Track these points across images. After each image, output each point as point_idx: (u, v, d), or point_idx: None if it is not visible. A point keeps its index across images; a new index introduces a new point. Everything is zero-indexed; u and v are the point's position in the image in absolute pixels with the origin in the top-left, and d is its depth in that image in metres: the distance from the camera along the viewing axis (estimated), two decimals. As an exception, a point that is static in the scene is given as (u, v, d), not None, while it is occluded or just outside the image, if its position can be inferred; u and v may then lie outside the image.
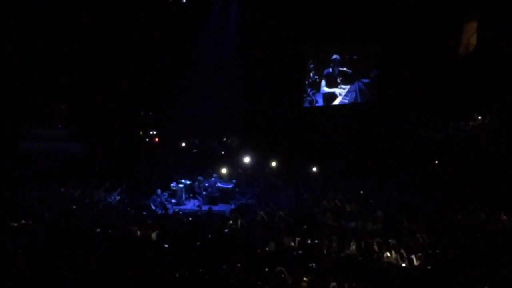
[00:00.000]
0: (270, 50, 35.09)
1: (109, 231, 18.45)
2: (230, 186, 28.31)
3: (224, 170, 29.26)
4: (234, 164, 30.90)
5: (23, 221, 18.83)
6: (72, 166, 29.02)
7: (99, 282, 13.90)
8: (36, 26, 31.87)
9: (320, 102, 38.29)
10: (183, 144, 33.32)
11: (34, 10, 31.51)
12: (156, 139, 34.34)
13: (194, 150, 33.67)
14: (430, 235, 18.64)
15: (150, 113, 36.51)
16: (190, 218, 21.92)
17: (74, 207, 22.56)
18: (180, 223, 20.79)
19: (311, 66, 37.85)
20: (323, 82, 38.06)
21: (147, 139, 34.49)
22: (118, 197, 24.88)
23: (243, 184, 29.23)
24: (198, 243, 17.38)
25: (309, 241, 17.96)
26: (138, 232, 18.42)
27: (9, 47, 31.84)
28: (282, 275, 14.05)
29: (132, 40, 33.74)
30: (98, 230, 18.43)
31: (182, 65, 34.45)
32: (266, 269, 14.60)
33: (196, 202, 27.02)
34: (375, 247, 17.25)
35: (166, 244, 17.05)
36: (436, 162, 30.85)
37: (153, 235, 18.15)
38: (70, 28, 32.63)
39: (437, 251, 16.99)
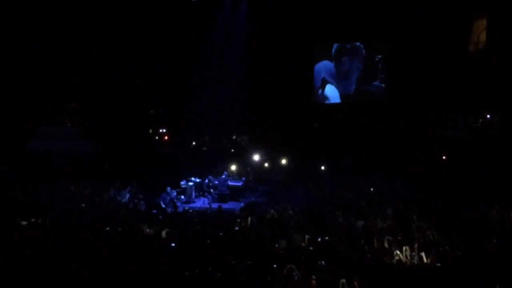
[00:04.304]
0: (280, 47, 35.11)
1: (119, 229, 18.48)
2: (240, 184, 28.35)
3: (234, 168, 29.32)
4: (244, 162, 30.95)
5: (33, 220, 18.88)
6: (82, 164, 29.12)
7: (109, 280, 13.92)
8: (46, 25, 31.96)
9: (330, 100, 38.26)
10: (194, 143, 33.43)
11: (43, 8, 31.60)
12: (166, 137, 34.41)
13: (204, 148, 33.72)
14: (441, 233, 18.57)
15: (160, 111, 36.59)
16: (200, 216, 21.93)
17: (84, 205, 22.62)
18: (190, 221, 20.81)
19: (320, 63, 37.87)
20: (332, 80, 38.03)
21: (157, 137, 34.58)
22: (128, 195, 24.93)
23: (253, 182, 29.25)
24: (208, 241, 17.38)
25: (319, 239, 17.94)
26: (148, 230, 18.45)
27: (19, 46, 31.93)
28: (293, 273, 14.05)
29: (142, 39, 33.79)
30: (108, 228, 18.47)
31: (192, 63, 34.54)
32: (276, 267, 14.60)
33: (206, 200, 27.07)
34: (385, 245, 17.22)
35: (176, 242, 17.05)
36: (444, 157, 30.80)
37: (163, 233, 18.16)
38: (79, 27, 32.70)
39: (448, 249, 16.93)
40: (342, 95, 38.22)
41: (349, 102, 38.19)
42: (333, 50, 37.99)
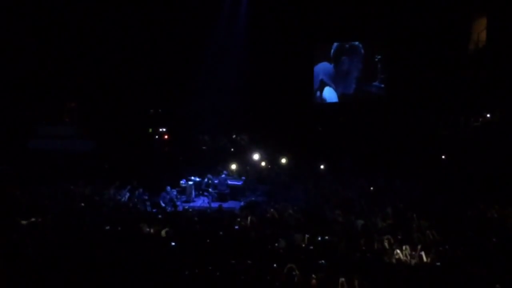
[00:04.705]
0: (280, 47, 35.11)
1: (119, 229, 18.48)
2: (239, 183, 28.32)
3: (233, 167, 29.31)
4: (244, 161, 30.93)
5: (33, 219, 18.87)
6: (81, 164, 29.10)
7: (109, 279, 13.92)
8: (46, 25, 31.97)
9: (329, 99, 38.24)
10: (193, 142, 33.49)
11: (43, 8, 31.61)
12: (166, 136, 34.41)
13: (204, 147, 33.72)
14: (441, 232, 18.58)
15: (160, 110, 36.59)
16: (200, 215, 21.90)
17: (84, 204, 22.62)
18: (189, 220, 20.80)
19: (318, 65, 37.87)
20: (330, 82, 38.03)
21: (157, 137, 34.58)
22: (128, 195, 24.91)
23: (253, 181, 29.22)
24: (208, 241, 17.38)
25: (319, 238, 17.94)
26: (148, 229, 18.44)
27: (19, 46, 31.93)
28: (293, 272, 14.05)
29: (142, 38, 33.79)
30: (107, 227, 18.47)
31: (192, 63, 34.51)
32: (276, 266, 14.60)
33: (206, 199, 27.05)
34: (385, 244, 17.22)
35: (176, 241, 17.05)
36: (443, 157, 30.81)
37: (163, 232, 18.16)
38: (79, 26, 32.71)
39: (447, 248, 16.93)
40: (341, 96, 38.21)
41: (349, 102, 38.16)
42: (332, 50, 37.96)
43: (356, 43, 37.89)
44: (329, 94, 38.12)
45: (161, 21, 33.89)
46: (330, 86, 38.02)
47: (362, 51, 37.90)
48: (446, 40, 34.72)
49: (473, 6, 35.30)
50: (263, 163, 31.02)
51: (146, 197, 24.93)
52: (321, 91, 38.11)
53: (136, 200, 24.46)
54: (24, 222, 18.64)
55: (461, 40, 35.89)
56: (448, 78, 34.70)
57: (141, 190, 25.15)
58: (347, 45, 37.98)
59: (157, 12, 33.82)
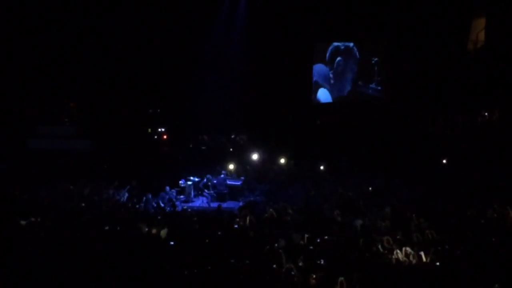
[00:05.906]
0: (278, 46, 35.09)
1: (118, 229, 18.48)
2: (238, 183, 28.28)
3: (232, 167, 29.28)
4: (243, 161, 30.91)
5: (32, 219, 18.88)
6: (81, 163, 29.10)
7: (109, 279, 13.93)
8: (45, 24, 31.98)
9: (324, 100, 38.22)
10: (192, 142, 33.47)
11: (43, 8, 31.63)
12: (165, 136, 34.41)
13: (203, 147, 33.71)
14: (439, 232, 18.59)
15: (159, 110, 36.59)
16: (199, 215, 21.89)
17: (83, 204, 22.62)
18: (188, 220, 20.80)
19: (319, 63, 37.85)
20: (325, 83, 38.02)
21: (156, 136, 34.57)
22: (127, 195, 24.89)
23: (252, 181, 29.19)
24: (207, 240, 17.39)
25: (318, 238, 17.94)
26: (147, 229, 18.45)
27: (19, 46, 31.94)
28: (292, 272, 14.06)
29: (140, 38, 33.79)
30: (106, 227, 18.47)
31: (190, 62, 34.50)
32: (275, 266, 14.61)
33: (205, 199, 27.02)
34: (384, 244, 17.22)
35: (175, 241, 17.06)
36: (444, 161, 30.76)
37: (162, 233, 18.17)
38: (78, 26, 32.72)
39: (447, 248, 16.94)
40: (336, 98, 38.18)
41: (346, 102, 38.16)
42: (328, 52, 37.92)
43: (351, 44, 37.84)
44: (324, 95, 38.08)
45: (159, 21, 33.90)
46: (324, 87, 38.00)
47: (358, 53, 37.87)
48: (444, 41, 34.68)
49: (471, 6, 35.27)
50: (262, 163, 31.01)
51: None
52: (315, 92, 38.08)
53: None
54: (23, 222, 18.66)
55: (460, 40, 35.87)
56: (447, 77, 34.65)
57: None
58: (342, 47, 37.94)
59: (156, 12, 33.82)
